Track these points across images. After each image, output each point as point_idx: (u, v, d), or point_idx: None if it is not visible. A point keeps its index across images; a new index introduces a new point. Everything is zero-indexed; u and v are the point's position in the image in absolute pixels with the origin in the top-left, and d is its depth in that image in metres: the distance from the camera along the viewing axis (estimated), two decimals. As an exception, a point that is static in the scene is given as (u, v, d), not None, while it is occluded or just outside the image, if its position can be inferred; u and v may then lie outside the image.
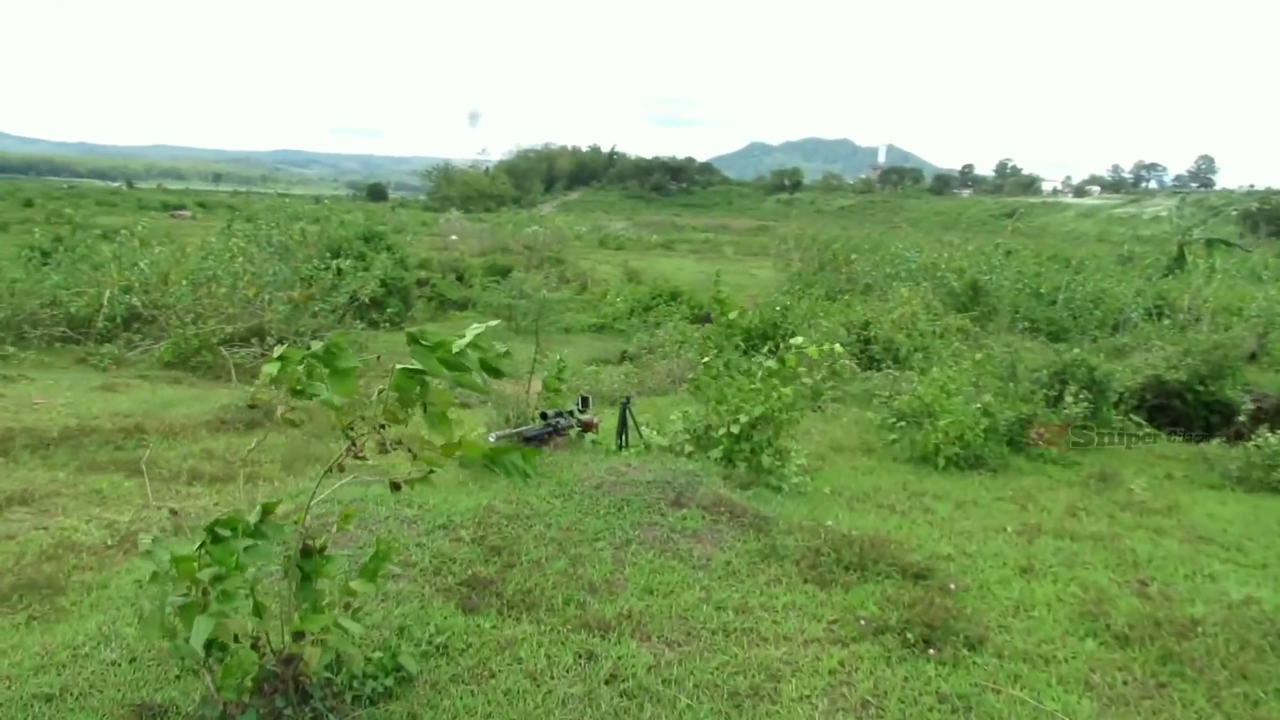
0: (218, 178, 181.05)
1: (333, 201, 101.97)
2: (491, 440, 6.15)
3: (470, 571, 4.38)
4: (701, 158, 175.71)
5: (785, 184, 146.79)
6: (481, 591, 4.19)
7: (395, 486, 3.15)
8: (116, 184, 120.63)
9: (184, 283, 17.57)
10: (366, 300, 19.32)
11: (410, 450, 2.91)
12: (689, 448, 6.94)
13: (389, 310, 23.71)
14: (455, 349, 2.76)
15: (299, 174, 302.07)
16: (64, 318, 17.34)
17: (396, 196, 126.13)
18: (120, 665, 3.51)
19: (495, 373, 2.96)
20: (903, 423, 9.36)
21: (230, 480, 8.06)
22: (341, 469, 3.01)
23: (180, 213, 63.06)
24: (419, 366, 2.73)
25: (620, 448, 6.88)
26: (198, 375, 15.81)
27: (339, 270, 20.94)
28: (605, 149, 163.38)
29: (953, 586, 4.65)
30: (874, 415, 10.13)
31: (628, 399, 7.04)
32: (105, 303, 17.22)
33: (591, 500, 5.45)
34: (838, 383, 11.95)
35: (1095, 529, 6.57)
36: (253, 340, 16.97)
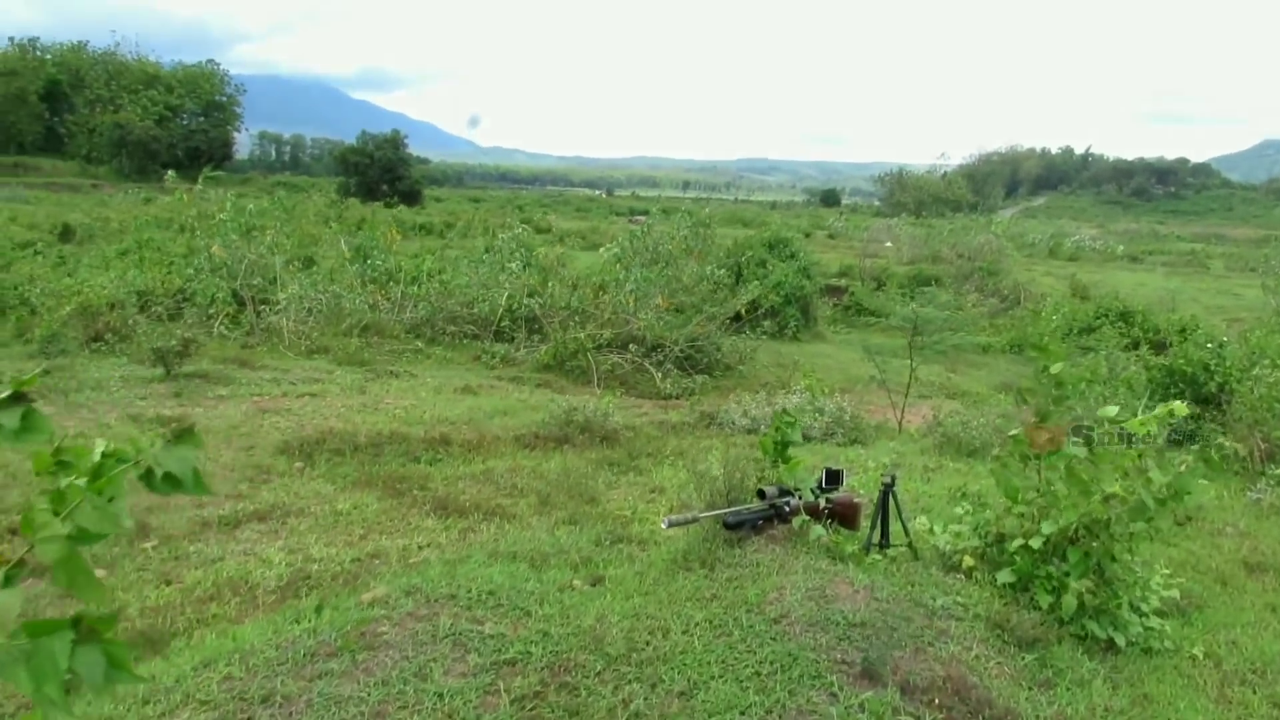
0: (686, 185, 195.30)
1: (783, 208, 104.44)
2: (664, 526, 4.67)
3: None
4: (1198, 158, 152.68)
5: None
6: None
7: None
8: (598, 192, 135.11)
9: (557, 287, 18.14)
10: (741, 310, 18.44)
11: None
12: (969, 561, 4.81)
13: (779, 320, 22.79)
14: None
15: (760, 181, 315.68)
16: (474, 317, 18.66)
17: (850, 202, 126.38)
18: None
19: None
20: (1381, 544, 6.09)
21: (476, 512, 7.42)
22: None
23: (637, 218, 68.13)
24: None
25: (873, 548, 4.95)
26: (569, 379, 16.05)
27: (735, 278, 20.42)
28: (1078, 150, 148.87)
29: None
30: (1339, 521, 6.83)
31: (891, 479, 5.06)
32: (504, 304, 18.29)
33: (748, 644, 3.72)
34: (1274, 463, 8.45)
35: None
36: (629, 347, 16.95)
